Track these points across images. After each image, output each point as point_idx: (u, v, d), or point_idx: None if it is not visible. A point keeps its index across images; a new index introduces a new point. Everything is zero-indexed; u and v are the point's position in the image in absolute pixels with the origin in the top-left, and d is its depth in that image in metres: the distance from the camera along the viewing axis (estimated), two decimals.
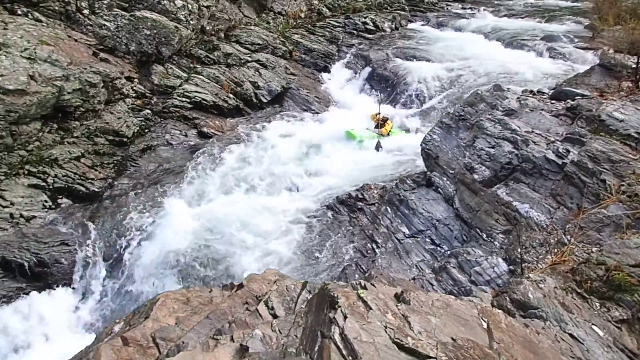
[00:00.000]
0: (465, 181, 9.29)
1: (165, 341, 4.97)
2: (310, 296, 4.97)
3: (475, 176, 9.15)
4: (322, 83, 16.76)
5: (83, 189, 10.87)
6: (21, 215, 9.98)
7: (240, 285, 5.85)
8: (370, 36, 20.36)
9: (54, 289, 9.38)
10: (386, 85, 16.66)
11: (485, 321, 4.34)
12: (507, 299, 5.14)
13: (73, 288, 9.44)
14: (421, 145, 10.51)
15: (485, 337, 4.19)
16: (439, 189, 9.76)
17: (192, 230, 10.41)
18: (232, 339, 4.24)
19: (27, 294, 9.16)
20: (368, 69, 17.48)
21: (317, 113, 15.02)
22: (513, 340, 4.25)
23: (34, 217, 10.11)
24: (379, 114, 14.32)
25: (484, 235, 8.41)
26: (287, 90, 15.55)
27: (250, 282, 5.77)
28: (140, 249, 10.11)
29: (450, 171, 9.70)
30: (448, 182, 9.70)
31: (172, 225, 10.37)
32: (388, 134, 13.96)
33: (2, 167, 10.29)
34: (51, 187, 10.61)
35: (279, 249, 10.19)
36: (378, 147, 13.33)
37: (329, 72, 17.53)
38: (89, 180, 11.04)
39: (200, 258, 10.01)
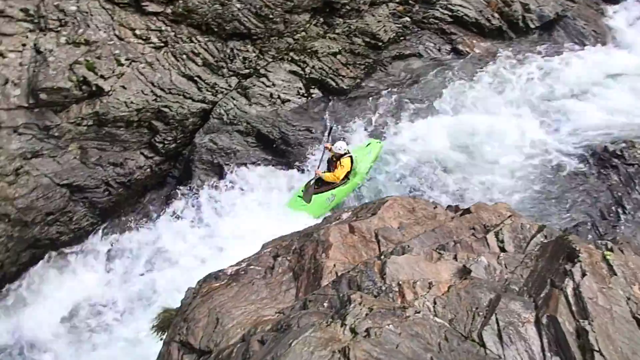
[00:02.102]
0: None
1: (386, 240, 5.09)
2: (546, 241, 4.55)
3: None
4: (605, 16, 14.49)
5: (333, 83, 11.45)
6: (279, 97, 11.00)
7: (467, 211, 5.65)
8: None
9: (291, 167, 10.36)
10: None
11: None
12: None
13: (303, 170, 10.31)
14: None
15: None
16: None
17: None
18: (455, 258, 4.13)
19: (272, 165, 10.30)
20: None
21: (591, 49, 13.13)
22: None
23: (289, 100, 11.06)
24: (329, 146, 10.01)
25: None
26: (561, 18, 13.83)
27: (479, 210, 5.52)
28: None
29: None
30: None
31: (422, 136, 10.52)
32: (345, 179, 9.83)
33: (272, 51, 11.31)
34: (307, 76, 11.39)
35: (508, 182, 9.68)
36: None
37: (617, 3, 14.99)
38: (340, 77, 11.55)
39: (425, 175, 10.04)
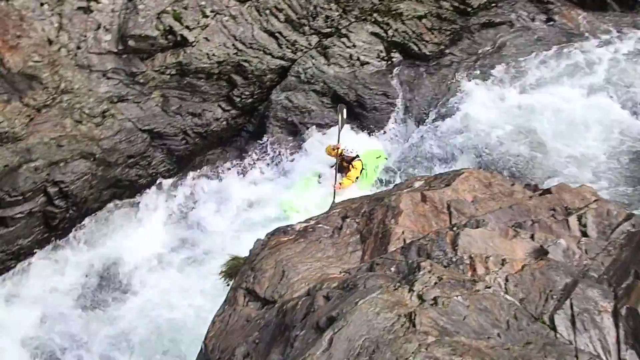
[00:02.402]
0: None
1: (459, 213, 4.96)
2: (633, 230, 4.28)
3: None
4: None
5: (416, 48, 11.10)
6: (358, 59, 10.81)
7: (548, 191, 5.40)
8: None
9: (364, 131, 10.28)
10: None
11: None
12: None
13: (384, 132, 10.21)
14: None
15: None
16: None
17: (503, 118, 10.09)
18: (532, 238, 3.96)
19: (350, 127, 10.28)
20: None
21: None
22: None
23: (368, 63, 10.85)
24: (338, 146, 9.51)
25: None
26: None
27: (561, 192, 5.25)
28: (450, 121, 10.18)
29: None
30: None
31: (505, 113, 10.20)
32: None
33: (355, 11, 11.06)
34: (389, 39, 11.08)
35: (591, 166, 9.17)
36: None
37: None
38: (424, 42, 11.17)
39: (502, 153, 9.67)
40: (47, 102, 8.58)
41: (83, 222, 8.89)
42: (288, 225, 4.98)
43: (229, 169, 10.10)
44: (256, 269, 4.35)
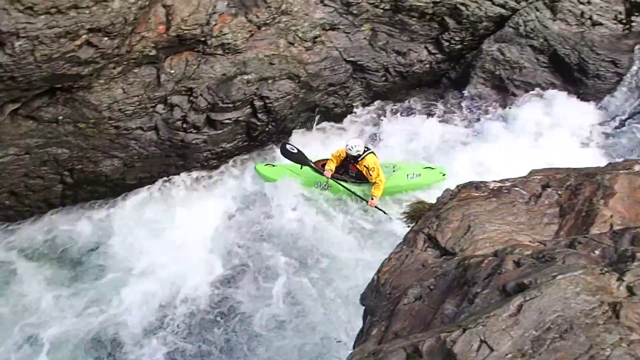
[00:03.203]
0: None
1: None
2: None
3: None
4: None
5: None
6: (590, 18, 9.64)
7: None
8: None
9: (583, 100, 9.27)
10: None
11: None
12: None
13: (600, 107, 9.13)
14: None
15: None
16: None
17: None
18: None
19: (560, 91, 9.38)
20: None
21: None
22: None
23: (601, 24, 9.63)
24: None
25: None
26: None
27: None
28: None
29: None
30: None
31: None
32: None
33: None
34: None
35: None
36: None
37: None
38: None
39: None
40: (268, 21, 9.10)
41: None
42: (481, 182, 4.73)
43: (423, 113, 9.93)
44: (441, 218, 4.25)
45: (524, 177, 5.01)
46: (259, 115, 8.97)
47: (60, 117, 7.87)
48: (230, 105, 8.67)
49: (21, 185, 8.02)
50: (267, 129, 9.18)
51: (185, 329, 7.11)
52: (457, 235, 4.10)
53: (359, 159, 8.08)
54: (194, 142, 8.60)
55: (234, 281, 7.62)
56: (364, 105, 10.02)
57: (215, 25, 8.50)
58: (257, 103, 8.88)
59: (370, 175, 8.00)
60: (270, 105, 8.92)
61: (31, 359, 6.83)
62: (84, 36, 7.12)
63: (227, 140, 8.94)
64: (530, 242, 3.87)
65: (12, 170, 7.84)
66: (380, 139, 9.52)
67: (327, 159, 8.40)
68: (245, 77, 8.78)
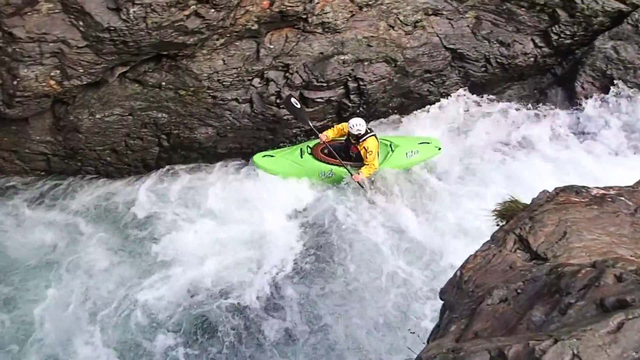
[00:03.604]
0: None
1: None
2: None
3: None
4: None
5: None
6: None
7: None
8: None
9: None
10: None
11: None
12: None
13: None
14: None
15: None
16: None
17: None
18: None
19: None
20: None
21: None
22: None
23: None
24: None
25: None
26: None
27: None
28: None
29: None
30: None
31: None
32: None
33: None
34: None
35: None
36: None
37: None
38: None
39: None
40: (370, 2, 9.00)
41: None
42: (583, 186, 4.45)
43: (519, 109, 9.49)
44: (535, 220, 4.03)
45: (631, 186, 4.67)
46: (352, 97, 8.94)
47: (163, 83, 8.25)
48: (324, 84, 8.70)
49: (122, 144, 8.52)
50: (357, 111, 9.13)
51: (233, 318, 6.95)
52: (551, 240, 3.89)
53: (360, 140, 8.02)
54: (285, 117, 8.73)
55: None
56: (458, 95, 9.72)
57: (317, 3, 8.53)
58: (351, 84, 8.85)
59: (367, 157, 8.03)
60: (364, 87, 8.86)
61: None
62: (192, 7, 7.40)
63: (318, 119, 9.00)
64: (632, 256, 3.62)
65: (116, 129, 8.35)
66: (470, 130, 9.21)
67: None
68: (342, 57, 8.75)
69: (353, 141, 8.16)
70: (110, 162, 8.65)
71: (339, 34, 8.89)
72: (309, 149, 8.47)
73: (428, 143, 8.68)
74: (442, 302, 4.28)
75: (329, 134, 8.30)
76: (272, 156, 8.51)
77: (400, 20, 9.14)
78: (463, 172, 8.60)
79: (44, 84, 7.40)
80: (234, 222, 7.98)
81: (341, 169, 8.28)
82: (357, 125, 7.96)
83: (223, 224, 7.95)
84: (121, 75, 8.11)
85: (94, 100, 8.13)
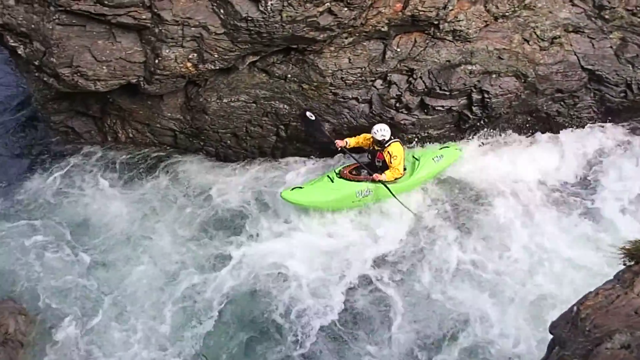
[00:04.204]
0: None
1: None
2: None
3: None
4: None
5: None
6: None
7: None
8: None
9: None
10: None
11: None
12: None
13: None
14: None
15: None
16: None
17: None
18: None
19: None
20: None
21: None
22: None
23: None
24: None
25: None
26: None
27: None
28: None
29: None
30: None
31: None
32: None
33: None
34: None
35: None
36: None
37: None
38: None
39: None
40: (507, 13, 8.68)
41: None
42: None
43: None
44: None
45: None
46: (474, 109, 8.65)
47: (289, 76, 8.50)
48: (447, 92, 8.49)
49: (243, 130, 8.89)
50: (478, 124, 8.84)
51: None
52: None
53: (385, 145, 7.86)
54: (402, 122, 8.64)
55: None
56: (590, 119, 9.10)
57: (451, 10, 8.34)
58: (475, 96, 8.56)
59: (391, 162, 7.84)
60: (488, 100, 8.54)
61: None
62: (327, 4, 7.56)
63: (436, 127, 8.82)
64: None
65: (239, 115, 8.73)
66: (602, 162, 8.62)
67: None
68: (469, 67, 8.50)
69: (377, 147, 8.01)
70: (230, 145, 9.07)
71: (469, 43, 8.65)
72: (336, 174, 8.05)
73: (447, 147, 8.67)
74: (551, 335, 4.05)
75: (350, 141, 8.12)
76: (301, 187, 7.91)
77: (537, 35, 8.71)
78: (589, 205, 8.21)
79: (181, 65, 7.90)
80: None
81: (378, 185, 7.90)
82: (381, 130, 7.85)
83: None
84: (251, 64, 8.45)
85: (223, 85, 8.56)
